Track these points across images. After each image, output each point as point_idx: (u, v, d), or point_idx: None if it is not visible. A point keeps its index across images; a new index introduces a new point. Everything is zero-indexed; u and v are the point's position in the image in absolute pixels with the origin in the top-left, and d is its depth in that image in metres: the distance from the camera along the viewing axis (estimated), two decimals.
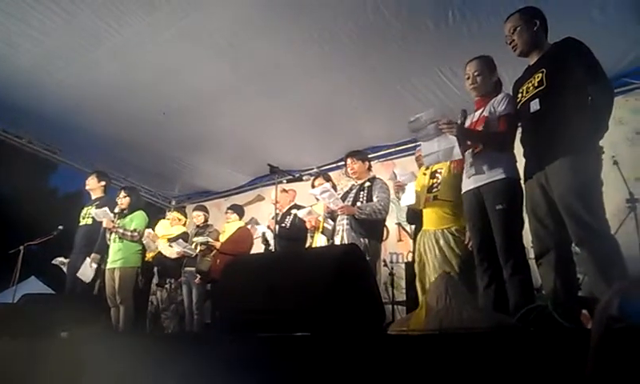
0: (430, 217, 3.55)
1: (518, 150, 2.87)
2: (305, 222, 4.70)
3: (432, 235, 3.45)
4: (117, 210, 5.30)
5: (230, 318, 2.30)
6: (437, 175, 3.60)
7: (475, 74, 3.06)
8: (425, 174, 3.71)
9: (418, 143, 3.86)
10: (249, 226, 5.81)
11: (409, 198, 3.74)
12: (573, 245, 2.47)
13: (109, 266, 5.20)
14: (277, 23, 4.44)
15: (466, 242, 3.30)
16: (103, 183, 5.59)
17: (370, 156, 4.87)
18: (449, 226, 3.41)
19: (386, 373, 1.45)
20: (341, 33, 4.55)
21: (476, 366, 1.35)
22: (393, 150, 6.60)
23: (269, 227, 5.17)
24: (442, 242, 3.38)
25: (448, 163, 3.48)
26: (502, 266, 2.71)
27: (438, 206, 3.49)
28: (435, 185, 3.56)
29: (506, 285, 2.69)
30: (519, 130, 2.88)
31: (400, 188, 3.85)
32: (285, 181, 4.93)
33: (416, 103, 5.42)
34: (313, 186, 4.73)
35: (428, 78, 5.20)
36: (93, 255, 5.08)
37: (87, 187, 5.60)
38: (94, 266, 5.03)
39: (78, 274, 5.02)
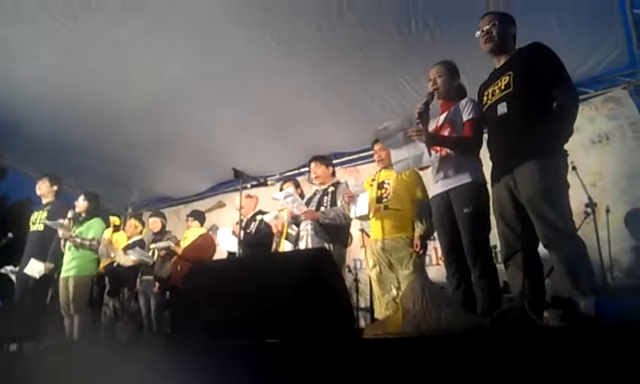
0: (378, 226, 3.71)
1: (484, 153, 2.91)
2: (271, 227, 4.61)
3: (380, 244, 3.64)
4: (70, 214, 5.04)
5: (192, 326, 2.19)
6: (385, 186, 3.78)
7: (437, 75, 3.09)
8: (372, 185, 3.90)
9: None
10: (210, 233, 5.67)
11: (362, 209, 3.81)
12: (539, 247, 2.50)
13: (63, 274, 4.95)
14: (239, 25, 4.34)
15: (415, 250, 3.50)
16: (55, 187, 5.34)
17: (333, 162, 4.82)
18: (398, 234, 3.60)
19: (363, 377, 1.40)
20: (304, 37, 4.49)
21: (454, 368, 1.32)
22: (356, 156, 6.62)
23: (233, 233, 5.03)
24: (390, 250, 3.60)
25: (395, 174, 3.65)
26: (469, 268, 2.72)
27: (387, 215, 3.68)
28: (385, 195, 3.75)
29: (474, 287, 2.69)
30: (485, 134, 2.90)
31: (351, 199, 3.89)
32: (249, 186, 4.81)
33: (379, 109, 5.47)
34: (281, 191, 4.65)
35: (390, 84, 5.24)
36: (47, 264, 4.83)
37: (38, 192, 5.33)
38: (43, 264, 4.78)
39: (25, 270, 4.78)
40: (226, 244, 5.14)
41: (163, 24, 4.30)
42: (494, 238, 2.78)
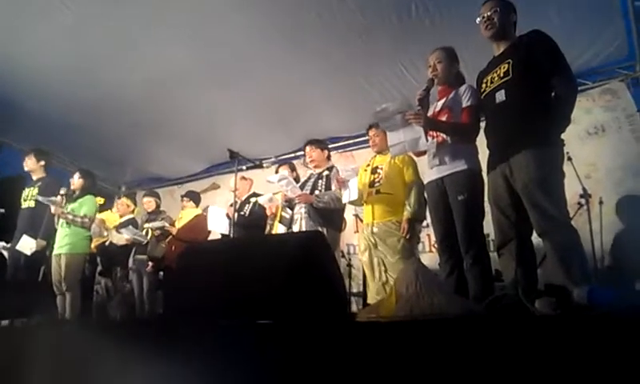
0: (370, 211, 3.74)
1: (479, 141, 2.91)
2: (265, 209, 4.60)
3: (371, 228, 3.66)
4: (62, 191, 4.99)
5: (185, 307, 2.18)
6: (378, 170, 3.80)
7: (437, 61, 3.07)
8: (366, 171, 3.92)
9: None
10: (204, 214, 5.65)
11: (352, 194, 3.80)
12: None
13: (55, 251, 4.91)
14: (239, 11, 4.31)
15: (402, 234, 3.51)
16: (42, 162, 5.22)
17: (329, 146, 4.80)
18: (388, 218, 3.62)
19: (355, 360, 1.40)
20: (304, 23, 4.47)
21: (447, 352, 1.32)
22: (352, 141, 6.61)
23: (227, 215, 5.01)
24: (380, 234, 3.61)
25: (389, 159, 3.71)
26: (462, 255, 2.73)
27: (379, 200, 3.70)
28: (377, 180, 3.77)
29: (466, 274, 2.71)
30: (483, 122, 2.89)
31: (342, 184, 3.86)
32: (245, 168, 4.79)
33: (377, 95, 5.43)
34: (276, 174, 4.63)
35: (390, 71, 5.22)
36: (38, 240, 4.79)
37: (26, 168, 5.23)
38: (35, 241, 4.75)
39: (17, 247, 4.73)
40: (215, 223, 5.11)
41: (167, 10, 4.27)
42: (488, 226, 2.79)
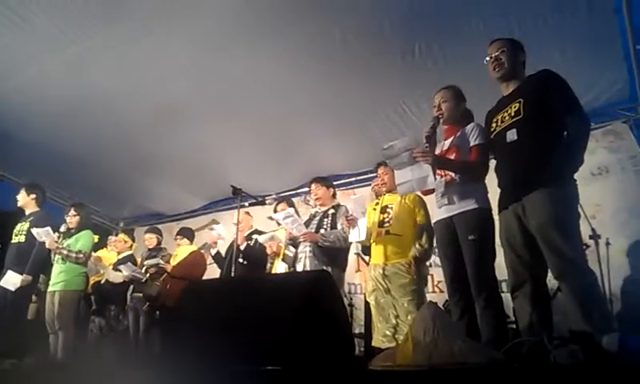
0: (380, 251, 3.63)
1: (488, 180, 2.86)
2: (265, 247, 4.50)
3: (381, 269, 3.54)
4: (62, 228, 4.90)
5: (185, 348, 2.08)
6: (388, 210, 3.72)
7: (442, 101, 3.05)
8: (375, 209, 3.83)
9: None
10: (202, 251, 5.56)
11: (361, 234, 3.71)
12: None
13: (50, 288, 4.78)
14: (242, 46, 4.31)
15: (412, 276, 3.43)
16: (33, 196, 5.13)
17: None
18: (397, 260, 3.52)
19: None
20: (306, 59, 4.47)
21: None
22: (354, 179, 6.57)
23: (238, 247, 4.84)
24: (390, 275, 3.50)
25: (399, 198, 3.65)
26: (474, 298, 2.64)
27: (388, 240, 3.61)
28: (387, 219, 3.69)
29: (478, 317, 2.61)
30: (492, 160, 2.85)
31: (352, 223, 3.77)
32: (247, 204, 4.73)
33: (378, 133, 5.42)
34: (275, 212, 4.56)
35: (391, 109, 5.23)
36: (24, 276, 4.65)
37: (19, 203, 5.15)
38: (20, 277, 4.61)
39: (1, 283, 4.60)
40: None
41: (168, 44, 4.28)
42: (498, 268, 2.71)
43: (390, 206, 3.74)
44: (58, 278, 4.78)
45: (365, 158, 5.76)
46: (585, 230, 4.13)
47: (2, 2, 3.85)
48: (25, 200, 5.12)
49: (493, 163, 2.85)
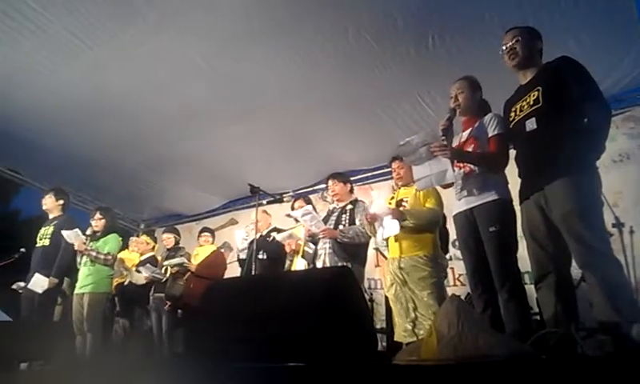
0: (396, 245, 3.58)
1: (508, 170, 2.82)
2: (283, 245, 4.51)
3: (397, 263, 3.51)
4: (89, 231, 5.00)
5: (207, 347, 2.10)
6: (403, 203, 3.68)
7: (459, 92, 3.02)
8: (390, 204, 3.77)
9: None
10: (222, 250, 5.60)
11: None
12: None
13: (77, 290, 4.88)
14: (256, 44, 4.30)
15: (430, 268, 3.40)
16: (61, 202, 5.24)
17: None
18: (415, 252, 3.48)
19: None
20: (321, 56, 4.44)
21: None
22: (370, 174, 6.54)
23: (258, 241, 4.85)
24: (407, 269, 3.46)
25: (414, 192, 3.60)
26: (497, 290, 2.61)
27: (405, 234, 3.53)
28: None
29: (502, 309, 2.58)
30: (512, 150, 2.81)
31: (375, 219, 3.66)
32: (265, 202, 4.74)
33: (395, 128, 5.39)
34: (292, 209, 4.57)
35: (407, 103, 5.17)
36: (50, 279, 4.73)
37: (44, 207, 5.25)
38: (47, 279, 4.68)
39: (29, 286, 4.69)
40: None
41: (184, 46, 4.30)
42: (521, 259, 2.68)
43: (405, 199, 3.71)
44: (87, 280, 4.87)
45: (381, 153, 5.72)
46: (608, 219, 4.07)
47: (20, 13, 3.91)
48: (52, 205, 5.21)
49: (512, 153, 2.81)
